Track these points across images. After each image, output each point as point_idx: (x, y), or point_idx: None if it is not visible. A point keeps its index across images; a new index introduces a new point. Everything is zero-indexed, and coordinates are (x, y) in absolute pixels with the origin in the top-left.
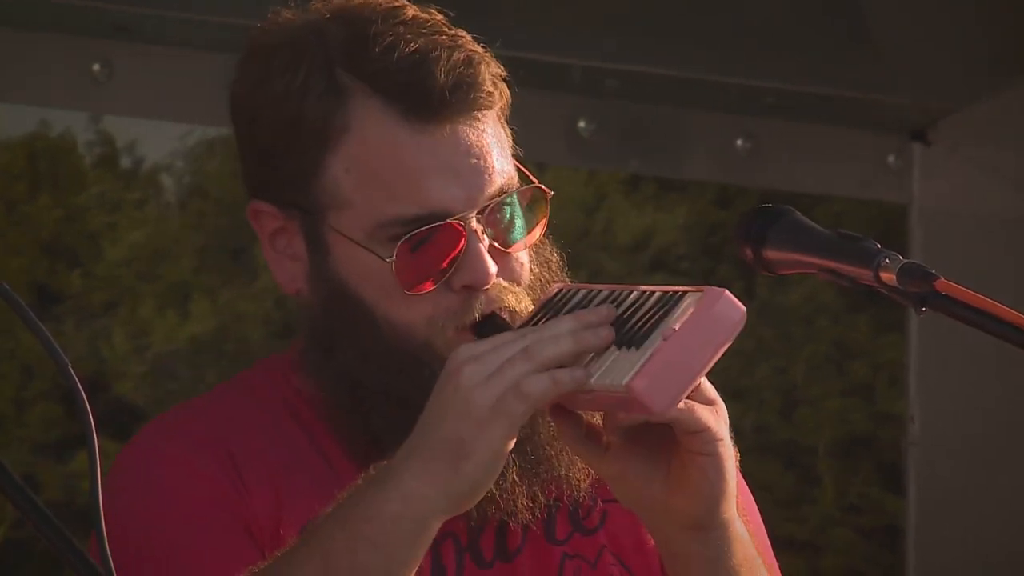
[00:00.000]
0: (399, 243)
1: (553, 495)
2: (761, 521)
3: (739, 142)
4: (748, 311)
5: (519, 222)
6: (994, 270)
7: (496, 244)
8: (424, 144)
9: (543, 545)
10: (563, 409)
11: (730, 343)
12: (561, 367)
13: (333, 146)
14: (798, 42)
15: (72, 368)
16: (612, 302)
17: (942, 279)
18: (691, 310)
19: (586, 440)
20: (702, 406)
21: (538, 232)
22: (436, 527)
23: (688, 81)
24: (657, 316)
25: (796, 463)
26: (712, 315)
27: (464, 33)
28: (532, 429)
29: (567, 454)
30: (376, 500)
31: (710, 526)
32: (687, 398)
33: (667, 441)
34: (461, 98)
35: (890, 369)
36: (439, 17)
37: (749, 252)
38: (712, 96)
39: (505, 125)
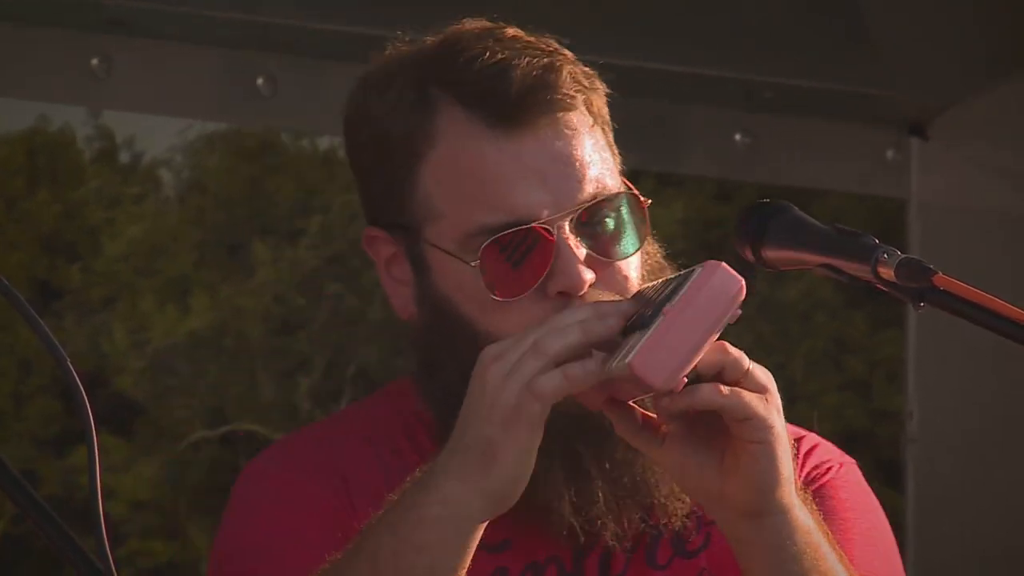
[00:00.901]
0: (482, 248)
1: (662, 521)
2: (868, 508)
3: (737, 137)
4: (747, 307)
5: (623, 235)
6: (992, 265)
7: (595, 254)
8: (507, 150)
9: (644, 570)
10: (615, 401)
11: (731, 315)
12: (578, 358)
13: (424, 159)
14: (796, 38)
15: (71, 363)
16: (643, 293)
17: (940, 274)
18: (689, 284)
19: (642, 431)
20: (752, 394)
21: (642, 242)
22: (478, 530)
23: (686, 76)
24: (666, 295)
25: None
26: (708, 288)
27: (564, 51)
28: (633, 455)
29: (668, 483)
30: (418, 503)
31: (767, 512)
32: (736, 384)
33: (721, 430)
34: (538, 100)
35: (888, 365)
36: (545, 40)
37: (747, 248)
38: (710, 91)
39: (607, 134)
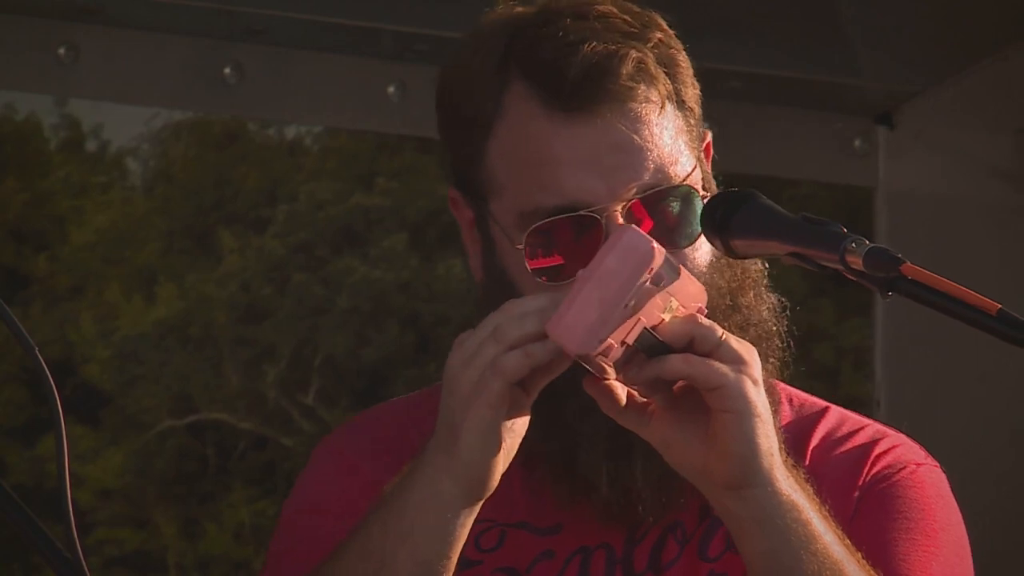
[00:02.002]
0: (528, 232)
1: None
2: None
3: (705, 126)
4: None
5: (682, 226)
6: (960, 253)
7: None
8: (563, 133)
9: (695, 561)
10: (596, 381)
11: (645, 277)
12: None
13: (493, 132)
14: (763, 26)
15: (39, 352)
16: None
17: (908, 263)
18: (602, 249)
19: (627, 409)
20: (721, 364)
21: (696, 233)
22: (462, 518)
23: None
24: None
25: None
26: (617, 250)
27: (657, 33)
28: None
29: None
30: (404, 489)
31: (748, 484)
32: (708, 355)
33: (703, 402)
34: (597, 88)
35: (856, 353)
36: (643, 14)
37: (715, 236)
38: None
39: (685, 124)
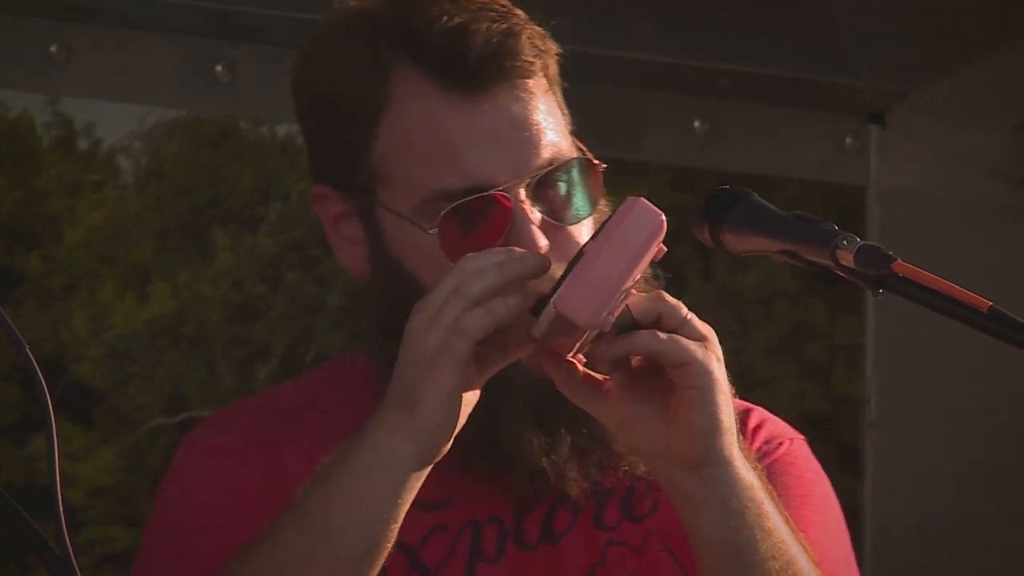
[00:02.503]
0: (442, 216)
1: (610, 478)
2: (830, 527)
3: (696, 124)
4: (706, 293)
5: (576, 198)
6: (952, 251)
7: (549, 219)
8: (464, 115)
9: (590, 530)
10: (556, 356)
11: (653, 250)
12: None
13: (379, 121)
14: (755, 24)
15: (30, 350)
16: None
17: (900, 261)
18: (608, 221)
19: (583, 387)
20: (688, 340)
21: (595, 208)
22: (411, 481)
23: (645, 63)
24: (589, 239)
25: None
26: (627, 222)
27: (519, 12)
28: (588, 414)
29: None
30: (349, 454)
31: (708, 462)
32: (673, 332)
33: (663, 381)
34: (497, 66)
35: (847, 351)
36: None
37: (707, 234)
38: (669, 78)
39: (560, 100)
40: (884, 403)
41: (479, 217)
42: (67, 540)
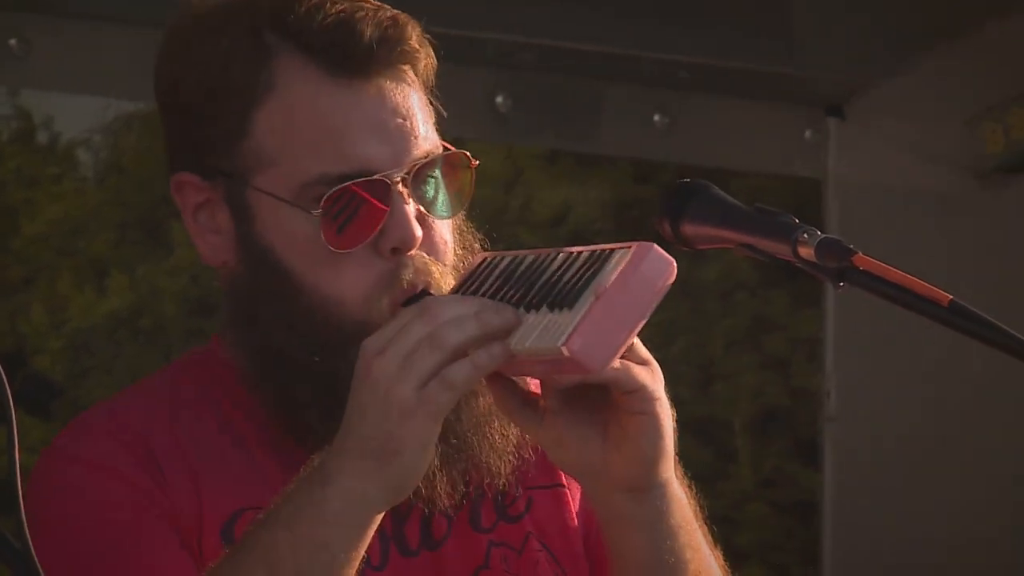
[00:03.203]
0: (323, 198)
1: (476, 484)
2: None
3: (656, 117)
4: None
5: (443, 195)
6: (911, 244)
7: (423, 211)
8: (349, 100)
9: (469, 533)
10: (499, 376)
11: (662, 297)
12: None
13: (258, 105)
14: (715, 16)
15: None
16: (539, 265)
17: (860, 254)
18: (621, 266)
19: (523, 407)
20: (637, 365)
21: (463, 206)
22: (377, 521)
23: (605, 55)
24: (588, 275)
25: (712, 438)
26: (642, 270)
27: (388, 7)
28: (456, 416)
29: (488, 442)
30: (315, 501)
31: (648, 486)
32: (622, 358)
33: (604, 403)
34: (387, 52)
35: (807, 344)
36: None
37: (667, 227)
38: (629, 70)
39: (431, 97)
40: (844, 396)
41: (359, 203)
42: (27, 534)
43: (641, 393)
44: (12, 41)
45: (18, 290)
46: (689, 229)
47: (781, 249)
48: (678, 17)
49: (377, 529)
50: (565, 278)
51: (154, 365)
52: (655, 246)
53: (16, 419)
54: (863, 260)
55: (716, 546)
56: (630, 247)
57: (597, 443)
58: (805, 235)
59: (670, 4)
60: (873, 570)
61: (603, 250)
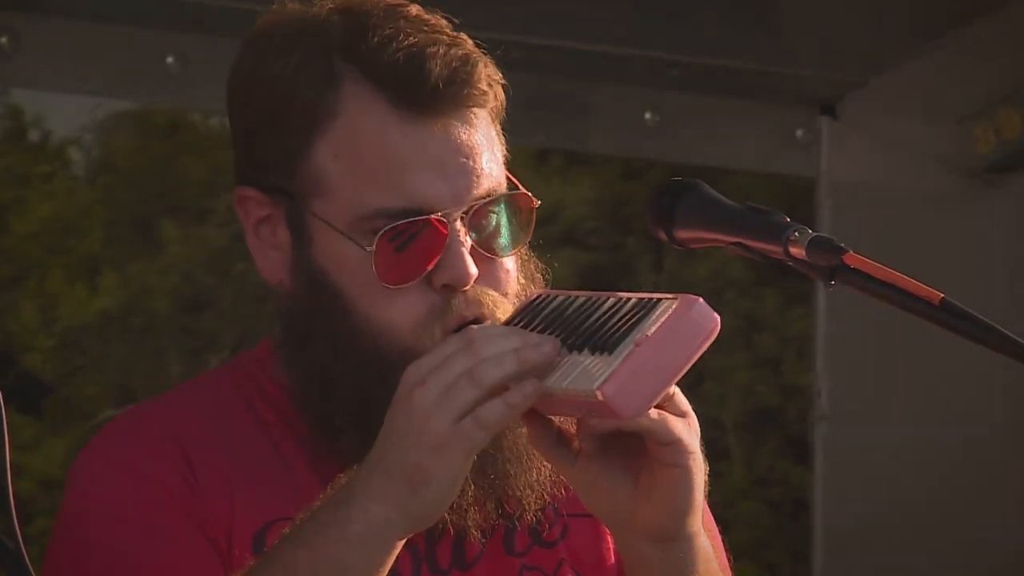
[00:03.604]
0: (379, 235)
1: (515, 510)
2: (719, 536)
3: (647, 115)
4: (656, 284)
5: (506, 229)
6: (903, 243)
7: (480, 248)
8: (413, 136)
9: (502, 556)
10: (535, 413)
11: (703, 350)
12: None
13: (322, 131)
14: (706, 15)
15: None
16: (588, 308)
17: (851, 252)
18: (665, 316)
19: (557, 446)
20: (675, 417)
21: (525, 241)
22: (399, 546)
23: (595, 54)
24: (631, 322)
25: (704, 436)
26: (685, 322)
27: (466, 37)
28: (495, 447)
29: (525, 475)
30: (339, 521)
31: (675, 538)
32: (660, 408)
33: (638, 451)
34: (454, 93)
35: (798, 342)
36: (442, 20)
37: (658, 226)
38: (619, 69)
39: (499, 131)
40: (835, 395)
41: (414, 239)
42: (18, 531)
43: (676, 447)
44: (3, 39)
45: (8, 288)
46: (680, 228)
47: (772, 248)
48: (668, 15)
49: (409, 547)
50: (610, 323)
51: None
52: (700, 300)
53: (7, 418)
54: (854, 259)
55: None
56: (676, 298)
57: (628, 490)
58: (796, 234)
59: (660, 2)
60: (864, 568)
61: (650, 298)
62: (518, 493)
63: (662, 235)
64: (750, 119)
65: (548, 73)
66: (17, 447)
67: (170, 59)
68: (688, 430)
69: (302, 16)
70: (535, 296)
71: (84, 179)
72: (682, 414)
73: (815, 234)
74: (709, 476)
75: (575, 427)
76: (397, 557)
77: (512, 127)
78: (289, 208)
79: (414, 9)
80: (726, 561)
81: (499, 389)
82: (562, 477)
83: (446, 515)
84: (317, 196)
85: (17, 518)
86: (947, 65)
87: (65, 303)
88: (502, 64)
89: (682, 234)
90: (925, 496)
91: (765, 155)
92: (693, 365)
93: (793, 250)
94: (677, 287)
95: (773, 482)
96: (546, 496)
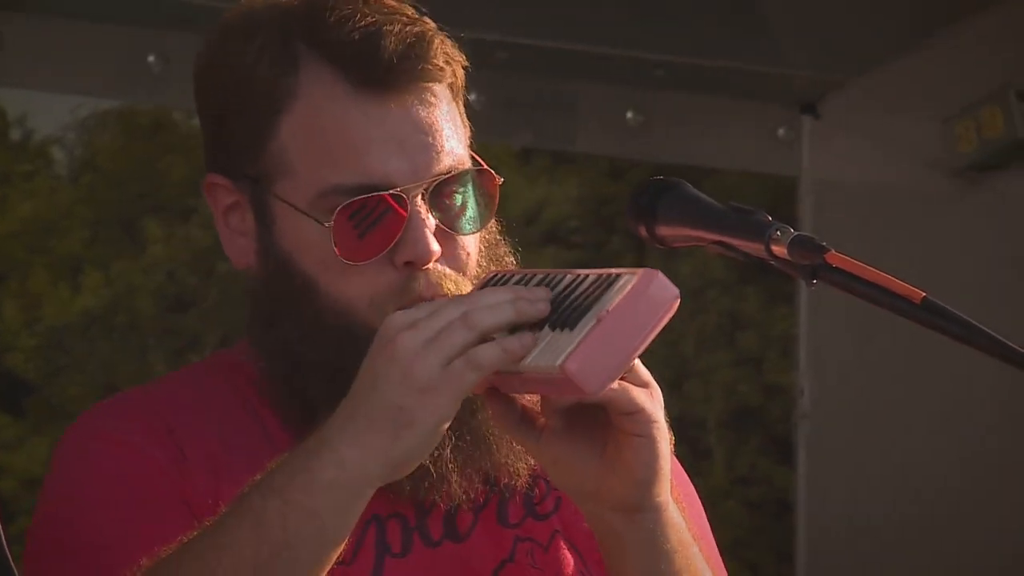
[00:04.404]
0: (337, 211)
1: (504, 480)
2: (700, 507)
3: (629, 115)
4: None
5: (470, 209)
6: (885, 242)
7: (444, 226)
8: (371, 113)
9: (495, 527)
10: (497, 392)
11: (663, 325)
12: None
13: (282, 112)
14: (688, 14)
15: None
16: (546, 285)
17: (833, 251)
18: (625, 291)
19: (521, 424)
20: (637, 388)
21: (488, 221)
22: (370, 494)
23: (578, 54)
24: (591, 298)
25: (686, 436)
26: (645, 296)
27: (429, 20)
28: (470, 413)
29: (507, 441)
30: (310, 467)
31: (643, 508)
32: (621, 379)
33: (602, 423)
34: (409, 68)
35: (781, 341)
36: (406, 5)
37: (641, 225)
38: (602, 69)
39: (462, 110)
40: (817, 393)
41: (374, 216)
42: (1, 530)
43: (639, 416)
44: None
45: None
46: (663, 227)
47: (754, 247)
48: (652, 15)
49: (400, 519)
50: (570, 299)
51: (129, 362)
52: (660, 273)
53: None
54: (836, 257)
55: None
56: (635, 272)
57: (594, 463)
58: (778, 232)
59: (644, 3)
60: (847, 567)
61: (610, 274)
62: (504, 459)
63: (643, 232)
64: (733, 118)
65: (533, 73)
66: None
67: (152, 58)
68: (651, 400)
69: (265, 4)
70: (491, 274)
71: (66, 178)
72: (644, 384)
73: (797, 233)
74: (691, 475)
75: (539, 404)
76: (386, 528)
77: (498, 126)
78: (253, 192)
79: None
80: (708, 530)
81: (489, 338)
82: (528, 454)
83: (427, 479)
84: (280, 178)
85: (0, 516)
86: (929, 64)
87: (48, 303)
88: (487, 64)
89: (664, 232)
90: (909, 495)
91: (748, 154)
92: (679, 363)
93: (775, 249)
94: None
95: (755, 481)
96: (532, 463)
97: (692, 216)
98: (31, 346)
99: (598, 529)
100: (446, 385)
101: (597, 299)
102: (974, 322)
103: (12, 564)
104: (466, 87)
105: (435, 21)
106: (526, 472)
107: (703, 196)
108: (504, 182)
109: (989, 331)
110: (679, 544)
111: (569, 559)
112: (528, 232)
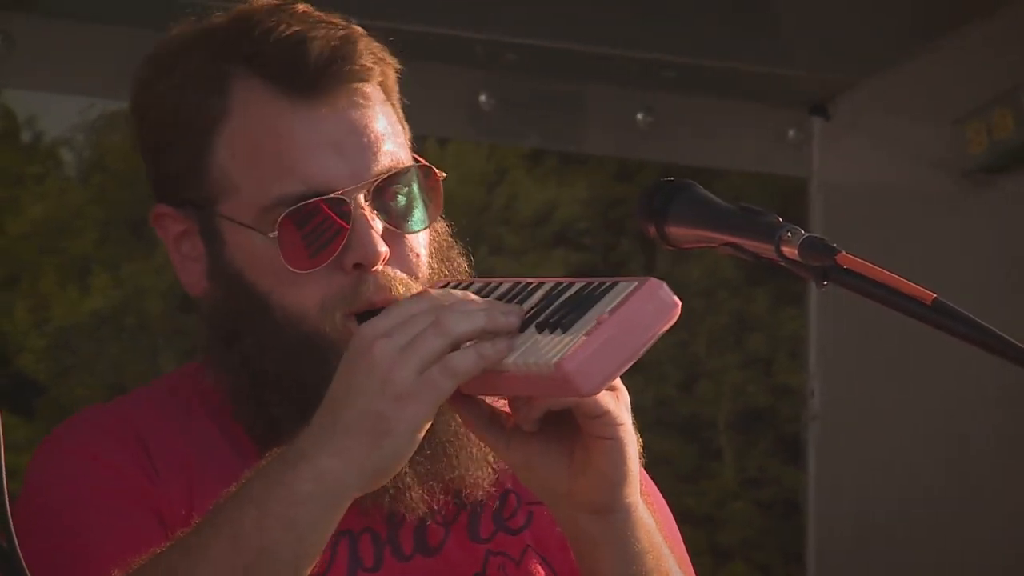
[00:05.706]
0: (280, 220)
1: (467, 491)
2: (669, 512)
3: (639, 116)
4: None
5: (416, 207)
6: (895, 243)
7: (391, 226)
8: (304, 120)
9: (466, 542)
10: (464, 397)
11: (661, 333)
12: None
13: (216, 133)
14: (699, 16)
15: None
16: (519, 293)
17: (843, 253)
18: (628, 297)
19: (489, 427)
20: (603, 391)
21: (435, 218)
22: (347, 505)
23: (588, 55)
24: (587, 301)
25: (697, 437)
26: (648, 304)
27: (357, 27)
28: (431, 427)
29: (466, 449)
30: (287, 479)
31: (613, 509)
32: None
33: (569, 426)
34: (336, 71)
35: (790, 343)
36: (335, 16)
37: (651, 226)
38: (612, 70)
39: (398, 110)
40: (827, 395)
41: (319, 222)
42: (12, 531)
43: (605, 418)
44: None
45: (1, 289)
46: (673, 228)
47: (765, 248)
48: (662, 16)
49: (370, 533)
50: (560, 301)
51: (139, 363)
52: (663, 284)
53: (0, 418)
54: (846, 259)
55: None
56: (636, 281)
57: (563, 466)
58: (789, 234)
59: (653, 3)
60: (856, 568)
61: (602, 281)
62: (464, 471)
63: (653, 232)
64: (743, 120)
65: (542, 74)
66: (9, 447)
67: None
68: (617, 402)
69: (192, 30)
70: (444, 282)
71: (76, 179)
72: (611, 387)
73: (808, 234)
74: (701, 476)
75: (508, 407)
76: (359, 541)
77: (507, 128)
78: (199, 217)
79: (301, 6)
80: (677, 534)
81: (462, 344)
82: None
83: (386, 492)
84: (224, 198)
85: (10, 517)
86: (939, 66)
87: (57, 303)
88: (497, 65)
89: (675, 233)
90: (919, 496)
91: (758, 155)
92: (689, 364)
93: (786, 250)
94: (670, 287)
95: (765, 482)
96: (492, 469)
97: (702, 217)
98: (41, 347)
99: (570, 531)
100: (424, 392)
101: (595, 303)
102: (984, 323)
103: (23, 565)
104: (476, 89)
105: (445, 24)
106: (487, 480)
107: (713, 197)
108: (513, 183)
109: (999, 332)
110: (650, 545)
111: (541, 573)
112: (538, 233)
